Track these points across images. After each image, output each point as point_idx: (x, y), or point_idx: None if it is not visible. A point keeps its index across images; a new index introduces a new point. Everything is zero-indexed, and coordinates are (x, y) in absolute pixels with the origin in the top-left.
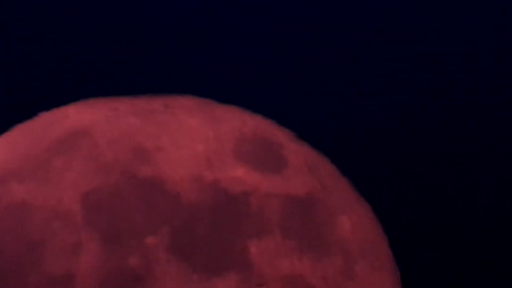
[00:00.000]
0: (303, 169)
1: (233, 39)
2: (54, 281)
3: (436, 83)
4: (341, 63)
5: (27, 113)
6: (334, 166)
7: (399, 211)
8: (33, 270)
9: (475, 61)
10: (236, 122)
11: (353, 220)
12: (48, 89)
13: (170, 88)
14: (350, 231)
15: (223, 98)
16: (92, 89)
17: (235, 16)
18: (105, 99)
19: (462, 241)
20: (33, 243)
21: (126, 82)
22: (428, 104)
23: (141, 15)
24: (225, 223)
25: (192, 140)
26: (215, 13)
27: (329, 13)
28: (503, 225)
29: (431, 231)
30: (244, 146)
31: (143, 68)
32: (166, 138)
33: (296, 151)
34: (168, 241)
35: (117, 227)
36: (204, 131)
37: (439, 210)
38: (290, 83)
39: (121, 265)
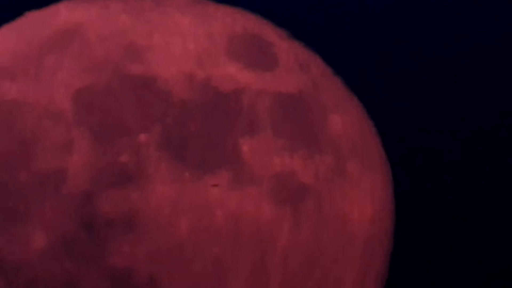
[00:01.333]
0: (294, 67)
1: None
2: (45, 178)
3: None
4: None
5: (12, 13)
6: (326, 65)
7: (393, 115)
8: (24, 167)
9: None
10: (227, 20)
11: (344, 119)
12: None
13: None
14: (341, 129)
15: None
16: None
17: None
18: None
19: (461, 157)
20: (24, 141)
21: None
22: None
23: None
24: (216, 121)
25: (184, 38)
26: None
27: None
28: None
29: (426, 142)
30: (235, 44)
31: None
32: (157, 36)
33: (288, 49)
34: (160, 139)
35: (108, 125)
36: (195, 29)
37: (436, 123)
38: None
39: (112, 162)
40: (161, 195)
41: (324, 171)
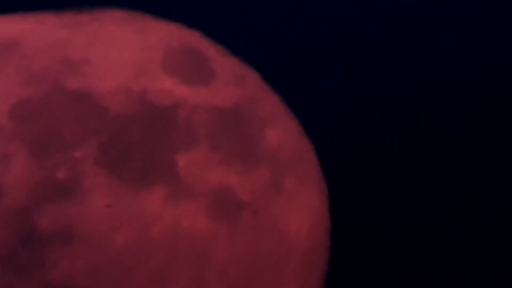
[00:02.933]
0: (231, 81)
1: None
2: None
3: None
4: None
5: None
6: (263, 80)
7: (329, 128)
8: None
9: None
10: (164, 34)
11: (280, 134)
12: None
13: (97, 1)
14: (278, 144)
15: (151, 11)
16: (19, 3)
17: None
18: (32, 13)
19: (394, 157)
20: None
21: None
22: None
23: None
24: (152, 135)
25: (120, 51)
26: None
27: None
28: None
29: (362, 150)
30: (172, 58)
31: None
32: (94, 50)
33: (224, 63)
34: (96, 154)
35: (45, 140)
36: (132, 42)
37: (369, 128)
38: None
39: (49, 177)
40: (98, 210)
41: (261, 186)
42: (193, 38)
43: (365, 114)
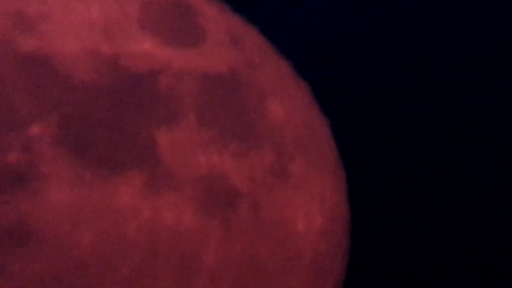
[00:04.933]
0: (225, 42)
1: None
2: None
3: None
4: None
5: None
6: (264, 39)
7: (347, 99)
8: None
9: None
10: None
11: (287, 106)
12: None
13: None
14: (283, 119)
15: None
16: None
17: None
18: None
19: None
20: None
21: None
22: None
23: None
24: (127, 109)
25: (86, 5)
26: None
27: None
28: None
29: (390, 127)
30: (152, 12)
31: None
32: (53, 3)
33: (217, 19)
34: (56, 132)
35: None
36: None
37: (398, 101)
38: None
39: None
40: (58, 202)
41: (261, 172)
42: None
43: (395, 82)
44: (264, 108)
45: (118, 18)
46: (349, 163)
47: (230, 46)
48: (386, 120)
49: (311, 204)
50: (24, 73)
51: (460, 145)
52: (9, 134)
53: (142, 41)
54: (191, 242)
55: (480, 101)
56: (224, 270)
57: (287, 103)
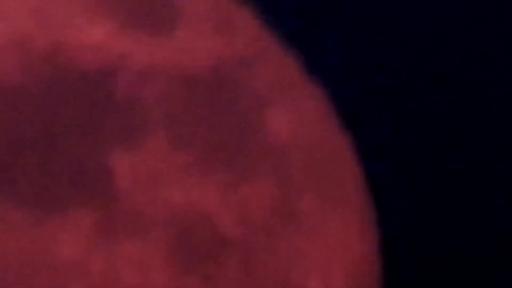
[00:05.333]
0: (207, 28)
1: None
2: None
3: None
4: None
5: None
6: (263, 24)
7: (375, 110)
8: None
9: None
10: None
11: (294, 118)
12: None
13: None
14: (288, 137)
15: None
16: None
17: None
18: None
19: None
20: None
21: None
22: None
23: None
24: (69, 123)
25: None
26: None
27: None
28: None
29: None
30: None
31: None
32: None
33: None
34: None
35: None
36: None
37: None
38: None
39: None
40: None
41: (258, 211)
42: None
43: (432, 92)
44: (261, 121)
45: None
46: (380, 198)
47: (215, 34)
48: (431, 137)
49: (328, 258)
50: None
51: None
52: None
53: (91, 26)
54: None
55: None
56: None
57: (294, 114)
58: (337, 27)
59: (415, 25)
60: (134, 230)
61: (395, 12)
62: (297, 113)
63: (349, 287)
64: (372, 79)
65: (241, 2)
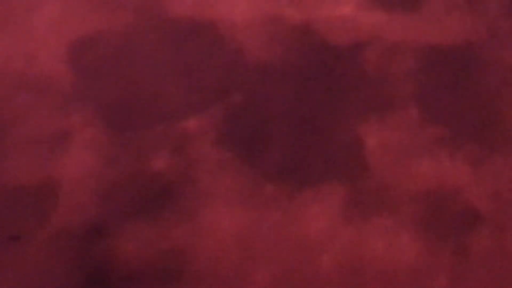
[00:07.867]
0: (458, 1)
1: None
2: None
3: None
4: None
5: None
6: None
7: None
8: None
9: None
10: None
11: None
12: None
13: None
14: None
15: None
16: None
17: None
18: None
19: None
20: None
21: None
22: None
23: None
24: (319, 96)
25: None
26: None
27: None
28: None
29: None
30: None
31: None
32: None
33: None
34: (221, 128)
35: None
36: None
37: None
38: None
39: None
40: (223, 227)
41: (509, 185)
42: None
43: None
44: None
45: None
46: None
47: (465, 7)
48: None
49: None
50: (180, 45)
51: None
52: (154, 129)
53: (342, 2)
54: (412, 281)
55: None
56: None
57: None
58: None
59: None
60: (384, 204)
61: None
62: None
63: None
64: None
65: None
